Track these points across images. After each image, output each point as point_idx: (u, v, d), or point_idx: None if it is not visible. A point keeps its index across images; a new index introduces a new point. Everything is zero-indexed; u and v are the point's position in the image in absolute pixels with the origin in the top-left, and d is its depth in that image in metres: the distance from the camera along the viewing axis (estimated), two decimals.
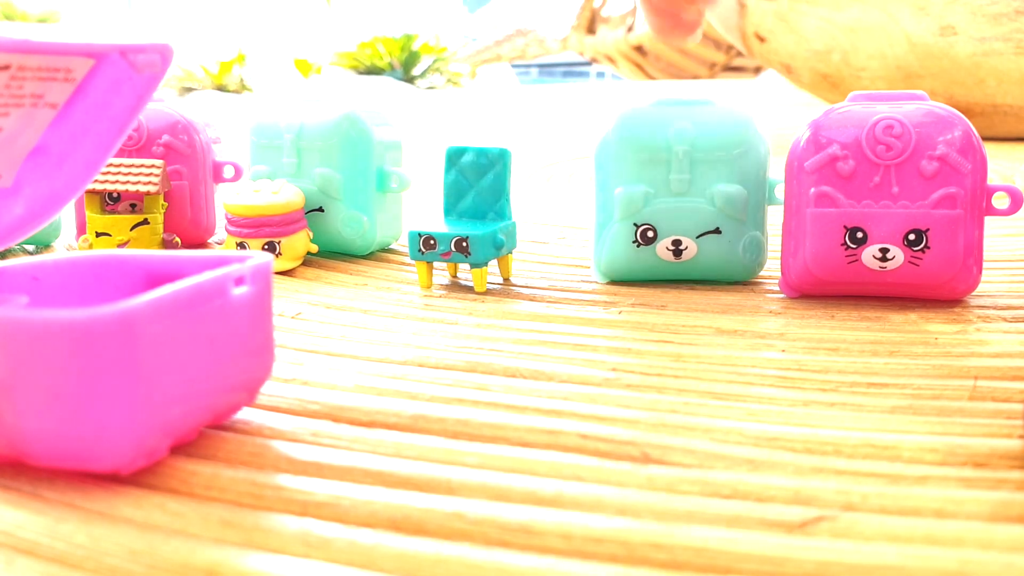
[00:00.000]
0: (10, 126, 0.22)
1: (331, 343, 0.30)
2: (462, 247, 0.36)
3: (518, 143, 0.90)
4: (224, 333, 0.21)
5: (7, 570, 0.17)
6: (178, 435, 0.21)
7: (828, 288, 0.34)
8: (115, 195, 0.43)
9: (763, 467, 0.21)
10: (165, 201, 0.43)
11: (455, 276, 0.39)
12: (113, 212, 0.43)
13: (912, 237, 0.32)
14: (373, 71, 3.63)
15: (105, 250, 0.24)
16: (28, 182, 0.23)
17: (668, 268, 0.37)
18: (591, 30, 2.77)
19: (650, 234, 0.36)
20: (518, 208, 0.57)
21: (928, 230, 0.32)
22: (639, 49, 2.66)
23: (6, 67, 0.20)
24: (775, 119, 1.01)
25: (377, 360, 0.29)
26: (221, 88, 3.47)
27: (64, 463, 0.19)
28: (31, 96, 0.21)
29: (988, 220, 0.47)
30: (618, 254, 0.37)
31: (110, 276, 0.24)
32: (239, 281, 0.22)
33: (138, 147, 0.44)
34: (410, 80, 3.56)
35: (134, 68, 0.23)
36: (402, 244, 0.46)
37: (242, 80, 3.54)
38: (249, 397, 0.23)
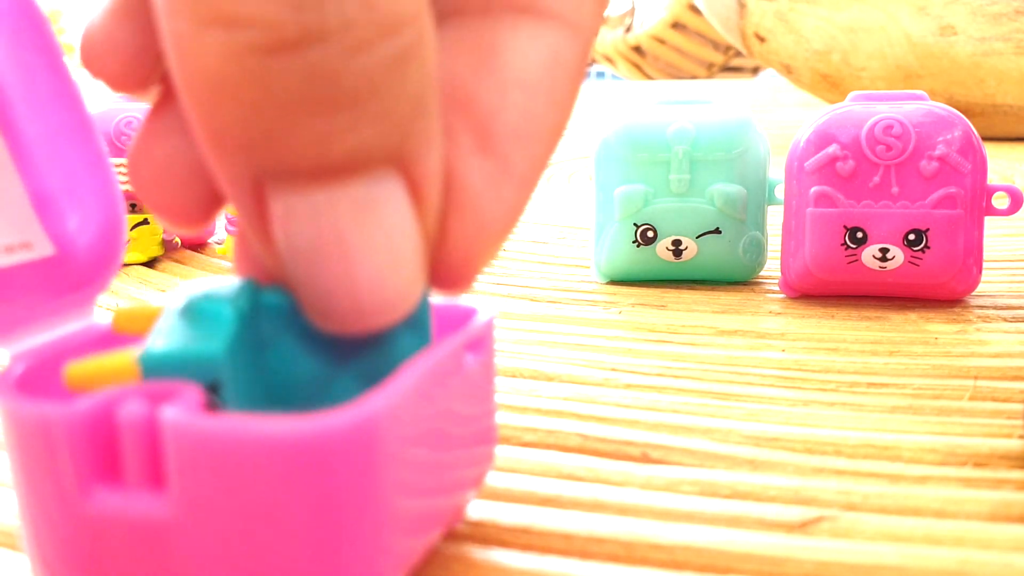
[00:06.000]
0: None
1: None
2: None
3: None
4: (455, 424, 0.16)
5: None
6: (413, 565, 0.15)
7: (828, 288, 0.34)
8: None
9: (763, 467, 0.21)
10: None
11: None
12: None
13: (912, 237, 0.32)
14: None
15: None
16: (63, 229, 0.17)
17: (668, 268, 0.37)
18: None
19: (650, 234, 0.36)
20: None
21: (928, 230, 0.32)
22: (637, 49, 2.66)
23: None
24: (775, 119, 1.01)
25: None
26: None
27: None
28: None
29: (988, 220, 0.47)
30: (618, 254, 0.37)
31: None
32: (475, 347, 0.16)
33: None
34: None
35: None
36: None
37: None
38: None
